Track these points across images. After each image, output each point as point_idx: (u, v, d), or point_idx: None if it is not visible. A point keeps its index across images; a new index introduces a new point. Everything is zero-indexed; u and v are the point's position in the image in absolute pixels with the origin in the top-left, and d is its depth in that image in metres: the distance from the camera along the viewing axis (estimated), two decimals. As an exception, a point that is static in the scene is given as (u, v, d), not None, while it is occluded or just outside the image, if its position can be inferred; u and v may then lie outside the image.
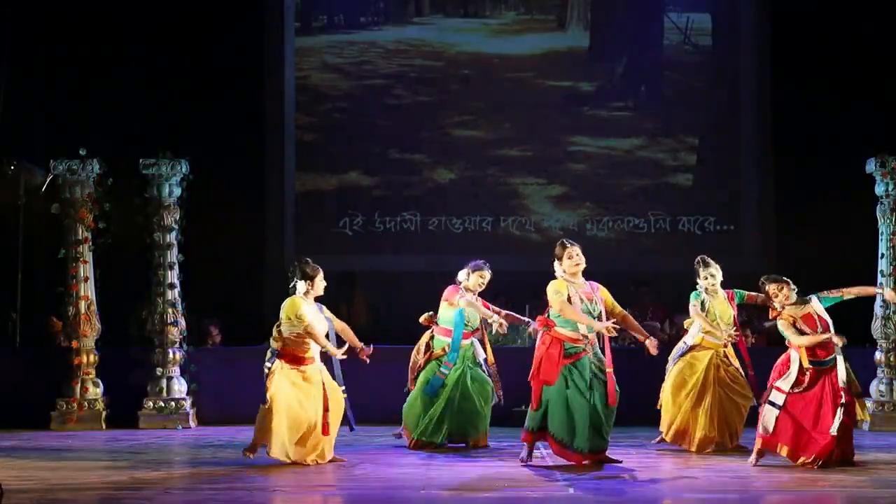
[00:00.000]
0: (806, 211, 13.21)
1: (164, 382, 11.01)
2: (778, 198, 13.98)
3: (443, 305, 9.37)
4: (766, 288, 8.58)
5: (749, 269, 11.40)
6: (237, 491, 7.55)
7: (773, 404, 8.30)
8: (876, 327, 10.75)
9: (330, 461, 8.44)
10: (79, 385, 10.92)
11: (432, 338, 9.43)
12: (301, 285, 8.49)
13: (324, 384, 8.41)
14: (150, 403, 10.96)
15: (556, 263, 8.35)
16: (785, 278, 8.49)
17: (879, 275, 10.75)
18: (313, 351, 8.45)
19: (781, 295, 8.43)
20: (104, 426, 10.83)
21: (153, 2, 13.85)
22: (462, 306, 9.21)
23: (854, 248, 11.87)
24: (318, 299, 8.59)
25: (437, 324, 9.42)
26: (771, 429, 8.28)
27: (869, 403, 10.66)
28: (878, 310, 10.76)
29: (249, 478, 7.96)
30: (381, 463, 8.60)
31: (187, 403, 11.02)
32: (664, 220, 14.30)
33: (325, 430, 8.36)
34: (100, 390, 10.98)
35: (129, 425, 10.83)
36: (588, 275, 8.46)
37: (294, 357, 8.41)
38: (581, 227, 14.23)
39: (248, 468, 8.24)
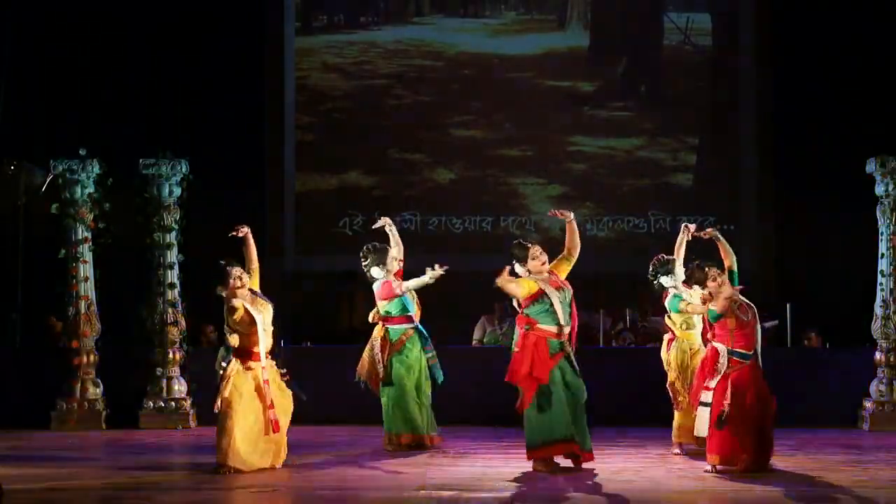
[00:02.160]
0: (806, 211, 13.20)
1: (164, 382, 10.99)
2: (778, 198, 13.97)
3: (381, 305, 9.26)
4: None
5: (749, 269, 11.38)
6: (237, 491, 7.55)
7: (704, 405, 8.11)
8: (876, 327, 10.72)
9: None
10: (79, 385, 10.91)
11: (387, 330, 9.30)
12: (221, 290, 8.28)
13: (267, 381, 8.21)
14: (150, 403, 10.96)
15: (517, 266, 8.10)
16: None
17: (879, 275, 10.73)
18: (260, 345, 8.24)
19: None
20: (104, 426, 10.82)
21: (153, 2, 13.86)
22: (405, 293, 9.18)
23: (854, 247, 11.86)
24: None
25: (387, 318, 9.30)
26: (705, 431, 8.06)
27: (869, 403, 10.66)
28: (878, 310, 10.74)
29: (249, 478, 7.95)
30: (379, 463, 8.60)
31: (187, 403, 11.02)
32: (664, 220, 14.29)
33: (275, 428, 8.17)
34: (100, 390, 10.97)
35: (129, 425, 10.82)
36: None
37: (248, 352, 8.21)
38: (581, 227, 14.12)
39: (248, 469, 8.22)
